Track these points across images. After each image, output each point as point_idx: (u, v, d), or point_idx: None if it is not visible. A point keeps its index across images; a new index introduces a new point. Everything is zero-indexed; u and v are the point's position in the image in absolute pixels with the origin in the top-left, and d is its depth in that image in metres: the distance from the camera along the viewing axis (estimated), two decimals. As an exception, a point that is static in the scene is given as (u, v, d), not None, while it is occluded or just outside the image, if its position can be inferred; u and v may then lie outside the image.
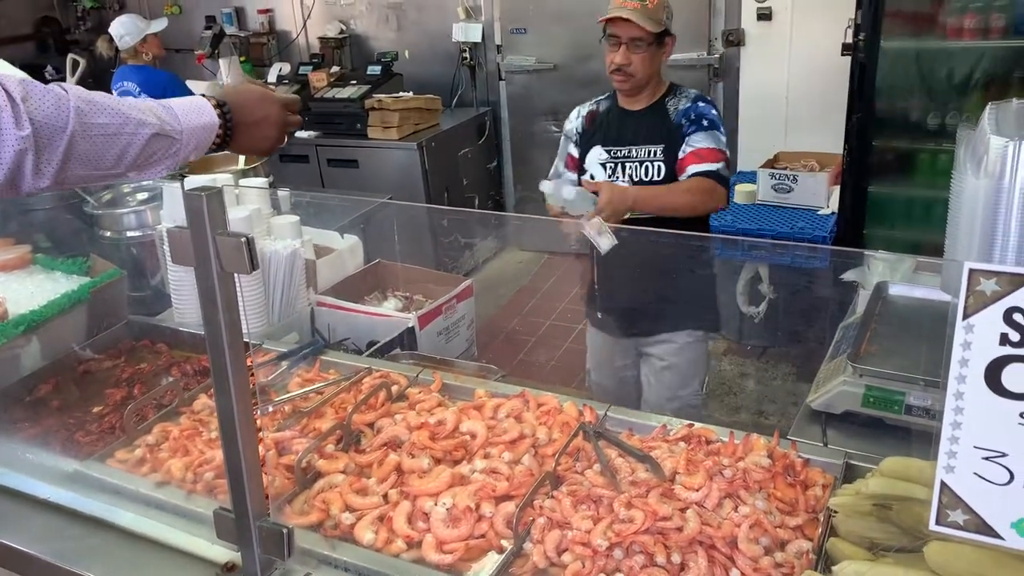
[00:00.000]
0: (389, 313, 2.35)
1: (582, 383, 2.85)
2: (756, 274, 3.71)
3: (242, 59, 5.86)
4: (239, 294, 1.20)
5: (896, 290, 1.94)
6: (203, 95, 1.33)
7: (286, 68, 5.70)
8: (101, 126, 1.16)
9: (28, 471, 1.63)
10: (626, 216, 2.27)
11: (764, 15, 4.54)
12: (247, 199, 2.48)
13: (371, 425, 1.67)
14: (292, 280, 2.25)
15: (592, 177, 2.47)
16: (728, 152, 2.40)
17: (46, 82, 1.16)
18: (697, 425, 1.62)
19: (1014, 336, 0.85)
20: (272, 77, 5.65)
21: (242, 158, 3.07)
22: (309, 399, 1.78)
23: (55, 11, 6.75)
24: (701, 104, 2.42)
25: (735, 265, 3.69)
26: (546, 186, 2.28)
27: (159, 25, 4.76)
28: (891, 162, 3.66)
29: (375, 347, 2.14)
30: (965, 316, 0.86)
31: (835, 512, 1.30)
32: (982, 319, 0.86)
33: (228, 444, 1.24)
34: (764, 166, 4.08)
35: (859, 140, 3.52)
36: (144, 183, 2.69)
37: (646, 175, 2.43)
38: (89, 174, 1.19)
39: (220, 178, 2.64)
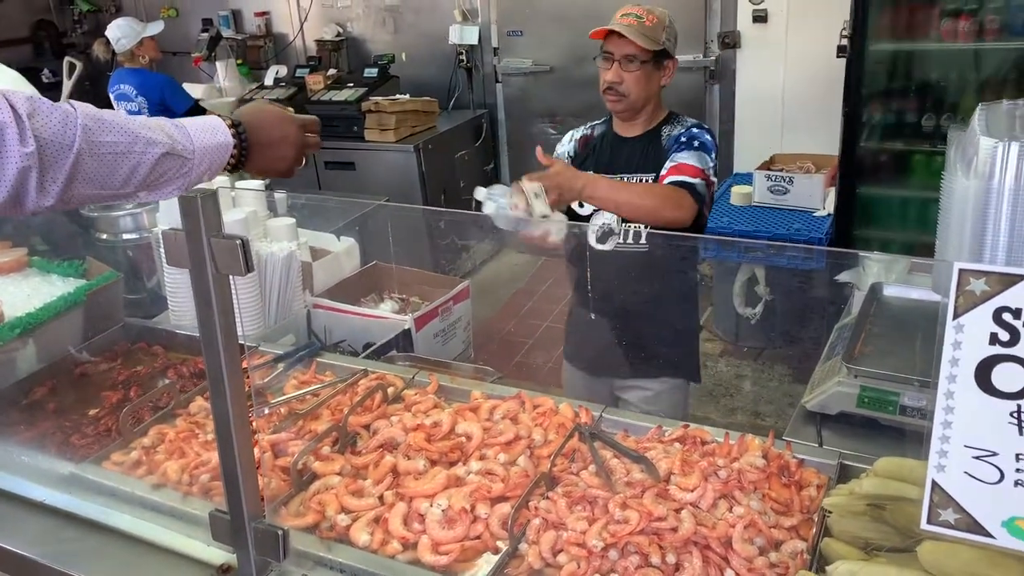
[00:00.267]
0: (385, 315, 2.35)
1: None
2: (752, 276, 3.71)
3: (239, 62, 5.87)
4: (235, 296, 1.20)
5: (891, 291, 1.95)
6: (219, 115, 1.31)
7: (283, 71, 5.69)
8: (109, 144, 1.13)
9: (24, 474, 1.63)
10: (576, 203, 2.16)
11: (760, 17, 4.55)
12: (243, 201, 2.48)
13: (367, 427, 1.67)
14: (288, 282, 2.26)
15: (581, 205, 2.29)
16: (714, 177, 2.20)
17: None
18: (692, 426, 1.63)
19: (1004, 336, 0.85)
20: (269, 80, 5.63)
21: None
22: (305, 401, 1.78)
23: (52, 14, 6.75)
24: (696, 130, 2.25)
25: (731, 267, 3.70)
26: (480, 193, 2.20)
27: (155, 28, 4.76)
28: (885, 163, 3.67)
29: (371, 349, 2.15)
30: (955, 316, 0.87)
31: (829, 512, 1.31)
32: (972, 319, 0.86)
33: (224, 446, 1.25)
34: (760, 168, 4.08)
35: (848, 142, 3.53)
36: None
37: None
38: (97, 193, 1.15)
39: (216, 180, 2.63)
